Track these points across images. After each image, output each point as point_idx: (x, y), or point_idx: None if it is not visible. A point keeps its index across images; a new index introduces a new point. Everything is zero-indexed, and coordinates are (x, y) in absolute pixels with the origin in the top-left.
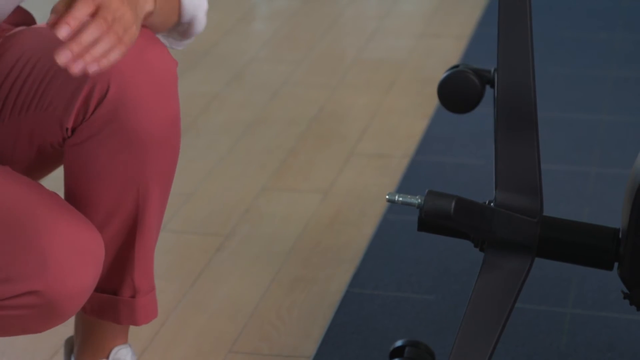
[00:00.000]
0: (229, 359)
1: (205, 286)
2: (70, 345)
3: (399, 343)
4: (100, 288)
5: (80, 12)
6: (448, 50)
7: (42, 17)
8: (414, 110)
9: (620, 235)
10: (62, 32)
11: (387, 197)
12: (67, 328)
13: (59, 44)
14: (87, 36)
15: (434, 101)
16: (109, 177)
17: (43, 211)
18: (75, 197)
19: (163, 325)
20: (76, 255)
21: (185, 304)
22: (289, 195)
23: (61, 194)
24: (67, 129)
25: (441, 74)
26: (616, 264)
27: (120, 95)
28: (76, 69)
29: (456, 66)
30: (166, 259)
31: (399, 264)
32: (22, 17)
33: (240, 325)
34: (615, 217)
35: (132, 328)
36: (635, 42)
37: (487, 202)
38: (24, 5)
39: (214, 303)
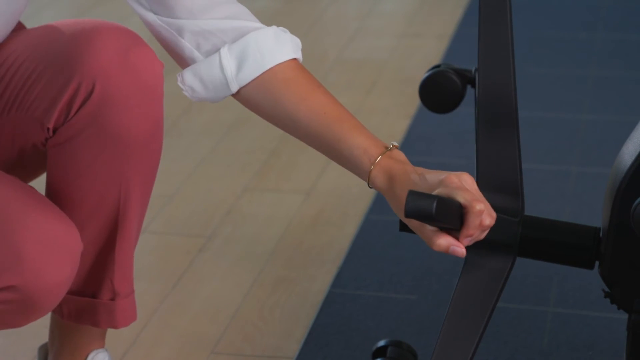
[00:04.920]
0: None
1: (187, 287)
2: (44, 352)
3: (381, 343)
4: (78, 291)
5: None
6: (429, 50)
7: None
8: (396, 110)
9: (600, 234)
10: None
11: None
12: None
13: (46, 44)
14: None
15: (415, 101)
16: (90, 178)
17: (17, 205)
18: (56, 197)
19: (145, 327)
20: (51, 248)
21: (167, 305)
22: (271, 196)
23: None
24: (48, 129)
25: (422, 74)
26: (597, 263)
27: (105, 96)
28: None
29: (437, 66)
30: (148, 260)
31: (381, 264)
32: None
33: (222, 326)
34: (596, 216)
35: (113, 330)
36: (616, 41)
37: None
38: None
39: (196, 304)
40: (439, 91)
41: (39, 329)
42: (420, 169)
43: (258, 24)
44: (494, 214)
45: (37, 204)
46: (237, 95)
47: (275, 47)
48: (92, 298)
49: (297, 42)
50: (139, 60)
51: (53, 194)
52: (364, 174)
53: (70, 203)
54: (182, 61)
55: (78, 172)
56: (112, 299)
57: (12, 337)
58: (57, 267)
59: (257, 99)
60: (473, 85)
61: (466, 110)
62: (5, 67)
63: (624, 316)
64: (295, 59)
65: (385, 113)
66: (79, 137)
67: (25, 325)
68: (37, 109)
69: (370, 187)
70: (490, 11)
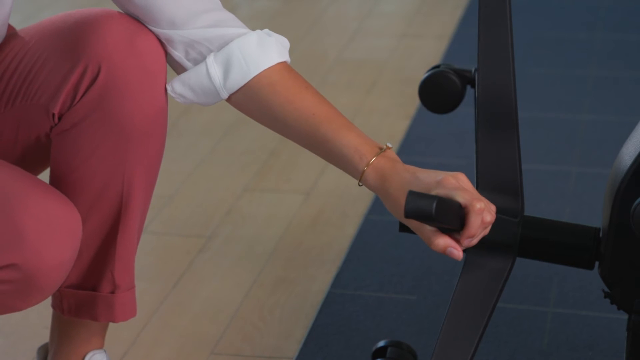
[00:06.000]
0: None
1: (187, 288)
2: (44, 353)
3: (381, 343)
4: (79, 284)
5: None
6: (429, 50)
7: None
8: (396, 111)
9: (600, 235)
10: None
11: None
12: (49, 332)
13: (50, 33)
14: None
15: (415, 101)
16: (93, 165)
17: (18, 186)
18: (59, 186)
19: (145, 327)
20: (52, 228)
21: (167, 305)
22: (270, 196)
23: None
24: (53, 115)
25: (422, 74)
26: (597, 263)
27: (109, 80)
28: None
29: (437, 66)
30: (148, 260)
31: (381, 264)
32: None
33: (222, 327)
34: (596, 216)
35: (113, 330)
36: (615, 41)
37: None
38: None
39: (196, 304)
40: (438, 91)
41: (39, 329)
42: (412, 168)
43: (242, 30)
44: (493, 208)
45: (38, 186)
46: (228, 100)
47: (259, 54)
48: (92, 291)
49: (284, 42)
50: (144, 46)
51: (56, 183)
52: (356, 173)
53: (73, 192)
54: (173, 66)
55: (81, 160)
56: (112, 292)
57: (12, 337)
58: (58, 246)
59: (246, 104)
60: (473, 86)
61: (466, 110)
62: (9, 57)
63: (624, 316)
64: (282, 61)
65: (385, 113)
66: (83, 123)
67: (25, 325)
68: (43, 95)
69: (360, 185)
70: (490, 11)
